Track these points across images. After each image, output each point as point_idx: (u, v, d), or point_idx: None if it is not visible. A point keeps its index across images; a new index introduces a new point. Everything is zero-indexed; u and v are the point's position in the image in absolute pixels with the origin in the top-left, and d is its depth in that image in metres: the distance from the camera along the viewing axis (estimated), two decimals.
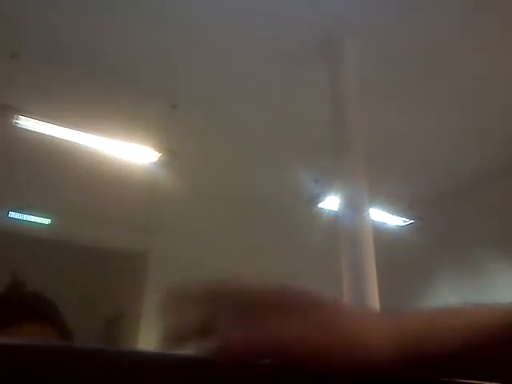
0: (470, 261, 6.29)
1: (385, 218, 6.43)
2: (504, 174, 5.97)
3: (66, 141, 4.70)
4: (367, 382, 0.26)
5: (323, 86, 4.40)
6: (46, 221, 5.75)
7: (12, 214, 5.56)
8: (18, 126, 4.44)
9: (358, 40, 4.32)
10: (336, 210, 4.42)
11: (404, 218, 6.67)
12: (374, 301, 3.60)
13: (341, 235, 3.95)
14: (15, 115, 4.36)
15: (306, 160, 5.56)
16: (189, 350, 0.33)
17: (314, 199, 5.83)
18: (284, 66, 4.61)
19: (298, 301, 0.34)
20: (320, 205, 5.88)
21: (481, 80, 4.75)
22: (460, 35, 4.28)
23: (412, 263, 6.76)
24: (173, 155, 4.90)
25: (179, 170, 5.33)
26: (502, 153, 5.79)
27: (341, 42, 4.38)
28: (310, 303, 0.34)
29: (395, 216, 6.57)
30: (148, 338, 5.15)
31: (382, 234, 5.25)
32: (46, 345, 0.23)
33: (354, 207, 3.92)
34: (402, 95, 5.00)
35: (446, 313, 0.34)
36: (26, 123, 4.46)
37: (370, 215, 4.18)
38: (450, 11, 4.05)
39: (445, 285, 6.42)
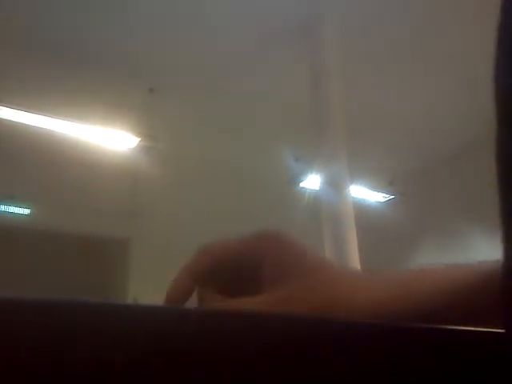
0: (450, 236, 6.38)
1: (365, 194, 6.47)
2: (483, 148, 6.01)
3: (43, 129, 4.63)
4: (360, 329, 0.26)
5: (303, 64, 4.38)
6: (26, 211, 5.68)
7: None
8: None
9: (338, 16, 4.30)
10: (317, 188, 4.44)
11: (384, 194, 6.72)
12: None
13: (322, 214, 3.98)
14: None
15: (286, 139, 5.55)
16: None
17: (295, 178, 5.84)
18: (263, 44, 4.58)
19: (284, 253, 0.35)
20: (301, 184, 5.89)
21: (462, 53, 4.77)
22: (444, 8, 4.28)
23: (393, 239, 6.83)
24: (152, 140, 4.86)
25: (159, 155, 5.29)
26: (481, 126, 5.84)
27: (320, 18, 4.35)
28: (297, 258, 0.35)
29: (376, 192, 6.61)
30: None
31: (363, 211, 5.29)
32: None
33: (334, 185, 3.95)
34: (381, 71, 5.00)
35: (419, 273, 0.34)
36: (1, 112, 4.38)
37: (351, 192, 4.21)
38: None
39: (427, 260, 6.51)
